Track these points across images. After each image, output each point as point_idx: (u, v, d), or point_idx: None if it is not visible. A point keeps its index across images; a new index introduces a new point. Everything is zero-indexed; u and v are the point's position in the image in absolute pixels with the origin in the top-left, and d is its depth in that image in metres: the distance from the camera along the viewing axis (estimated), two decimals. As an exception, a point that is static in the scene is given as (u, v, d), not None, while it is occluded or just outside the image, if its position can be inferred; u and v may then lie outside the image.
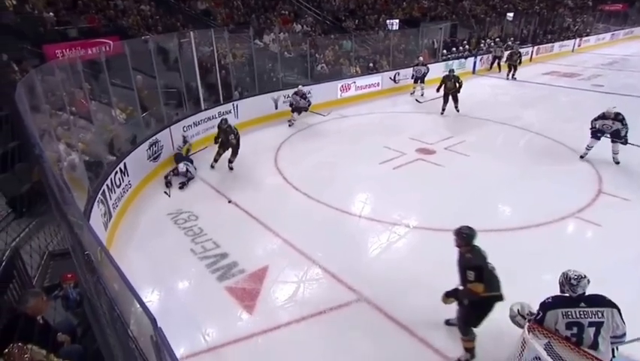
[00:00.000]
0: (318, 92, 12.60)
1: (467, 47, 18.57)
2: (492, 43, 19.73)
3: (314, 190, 7.36)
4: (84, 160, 6.42)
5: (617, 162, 8.03)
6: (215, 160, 8.50)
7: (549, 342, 2.91)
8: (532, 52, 20.81)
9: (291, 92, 12.05)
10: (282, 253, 5.71)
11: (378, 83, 14.54)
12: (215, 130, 8.66)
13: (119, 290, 2.28)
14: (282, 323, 4.42)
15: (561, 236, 5.92)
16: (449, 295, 3.77)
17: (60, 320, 4.15)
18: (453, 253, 5.54)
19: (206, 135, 9.89)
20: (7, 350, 2.93)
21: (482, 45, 19.56)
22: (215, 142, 8.51)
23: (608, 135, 7.99)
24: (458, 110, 11.65)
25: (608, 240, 5.74)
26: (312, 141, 10.26)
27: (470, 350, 3.80)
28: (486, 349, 3.83)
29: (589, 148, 8.29)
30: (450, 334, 4.14)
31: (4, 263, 3.81)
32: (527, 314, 3.27)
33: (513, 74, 16.68)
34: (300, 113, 11.20)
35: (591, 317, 2.89)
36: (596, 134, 8.06)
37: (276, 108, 11.83)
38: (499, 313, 3.56)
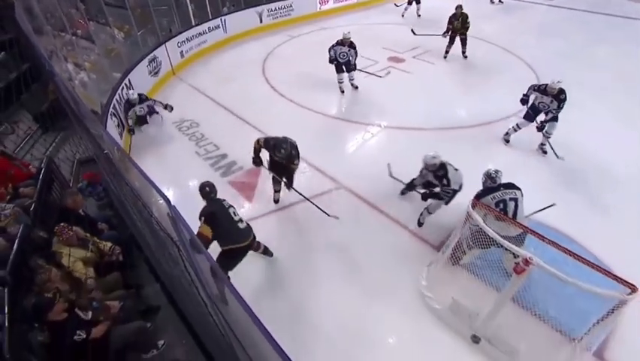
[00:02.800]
0: (298, 5, 11.81)
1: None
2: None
3: (299, 97, 7.37)
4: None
5: (545, 152, 5.56)
6: (277, 191, 4.87)
7: (484, 218, 3.29)
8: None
9: (273, 5, 11.11)
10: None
11: (357, -7, 13.46)
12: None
13: (139, 185, 2.46)
14: (277, 208, 4.83)
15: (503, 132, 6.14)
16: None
17: (96, 213, 4.48)
18: (417, 148, 5.79)
19: (200, 49, 9.50)
20: (56, 228, 3.25)
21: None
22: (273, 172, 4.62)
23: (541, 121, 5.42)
24: (466, 57, 8.92)
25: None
26: (295, 52, 9.87)
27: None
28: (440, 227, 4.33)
29: (516, 129, 5.67)
30: (412, 208, 4.63)
31: (43, 169, 3.96)
32: None
33: None
34: (349, 71, 7.32)
35: (510, 195, 3.49)
36: (529, 112, 5.50)
37: (261, 22, 11.12)
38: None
